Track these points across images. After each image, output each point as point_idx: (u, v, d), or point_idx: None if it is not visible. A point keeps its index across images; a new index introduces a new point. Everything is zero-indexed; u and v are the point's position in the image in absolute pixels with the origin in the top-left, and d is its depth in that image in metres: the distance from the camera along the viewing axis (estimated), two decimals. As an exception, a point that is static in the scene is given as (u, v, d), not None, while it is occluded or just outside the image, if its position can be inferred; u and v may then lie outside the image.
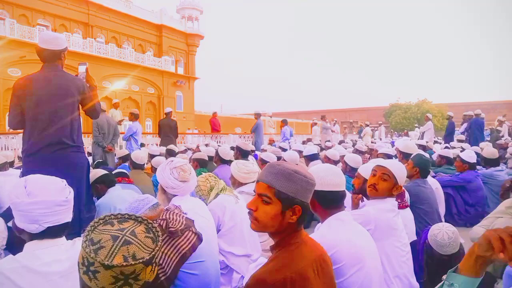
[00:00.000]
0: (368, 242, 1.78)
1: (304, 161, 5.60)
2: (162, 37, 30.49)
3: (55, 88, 2.72)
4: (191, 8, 32.68)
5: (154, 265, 1.05)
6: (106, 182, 3.13)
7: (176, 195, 2.30)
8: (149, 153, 6.27)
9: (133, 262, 0.97)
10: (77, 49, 23.22)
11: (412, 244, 2.39)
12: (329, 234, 1.67)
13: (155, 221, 1.63)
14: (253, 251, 2.65)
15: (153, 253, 1.03)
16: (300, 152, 5.95)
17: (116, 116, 8.82)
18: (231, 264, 2.56)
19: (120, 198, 2.93)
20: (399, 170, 2.24)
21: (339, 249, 1.60)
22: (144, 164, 4.63)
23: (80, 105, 2.89)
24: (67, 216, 1.47)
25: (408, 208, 2.79)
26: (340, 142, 11.12)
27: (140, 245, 1.02)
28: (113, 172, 3.71)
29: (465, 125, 11.21)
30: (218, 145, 8.05)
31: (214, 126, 14.96)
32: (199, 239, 1.75)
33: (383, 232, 2.07)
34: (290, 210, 1.27)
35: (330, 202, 1.75)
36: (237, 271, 2.56)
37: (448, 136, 11.59)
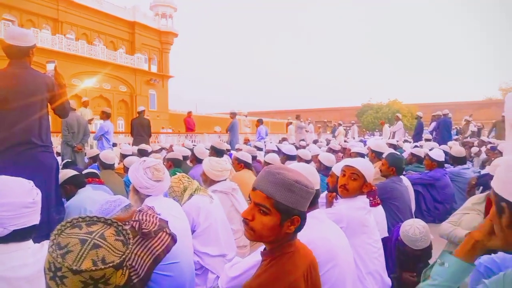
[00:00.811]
0: (341, 239, 1.82)
1: (281, 159, 5.61)
2: (135, 34, 29.87)
3: (23, 85, 2.62)
4: (165, 5, 32.20)
5: (125, 268, 1.03)
6: (76, 183, 3.03)
7: (149, 196, 2.26)
8: (121, 153, 6.13)
9: (102, 266, 0.94)
10: (46, 46, 22.40)
11: (384, 240, 2.45)
12: (304, 231, 1.69)
13: (127, 223, 1.59)
14: (228, 250, 2.65)
15: (123, 256, 1.00)
16: (275, 151, 5.97)
17: (86, 115, 8.57)
18: (206, 264, 2.54)
19: (90, 199, 2.84)
20: (367, 168, 2.30)
21: (314, 246, 1.61)
22: (113, 164, 4.51)
23: (48, 103, 2.80)
24: (34, 218, 1.42)
25: (380, 206, 2.86)
26: (315, 141, 11.26)
27: (110, 248, 0.99)
28: (83, 173, 3.60)
29: (433, 124, 11.59)
30: (193, 145, 7.97)
31: (189, 125, 14.83)
32: (173, 240, 1.73)
33: (355, 229, 2.11)
34: (289, 221, 1.20)
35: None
36: (212, 272, 2.55)
37: (417, 136, 11.93)
